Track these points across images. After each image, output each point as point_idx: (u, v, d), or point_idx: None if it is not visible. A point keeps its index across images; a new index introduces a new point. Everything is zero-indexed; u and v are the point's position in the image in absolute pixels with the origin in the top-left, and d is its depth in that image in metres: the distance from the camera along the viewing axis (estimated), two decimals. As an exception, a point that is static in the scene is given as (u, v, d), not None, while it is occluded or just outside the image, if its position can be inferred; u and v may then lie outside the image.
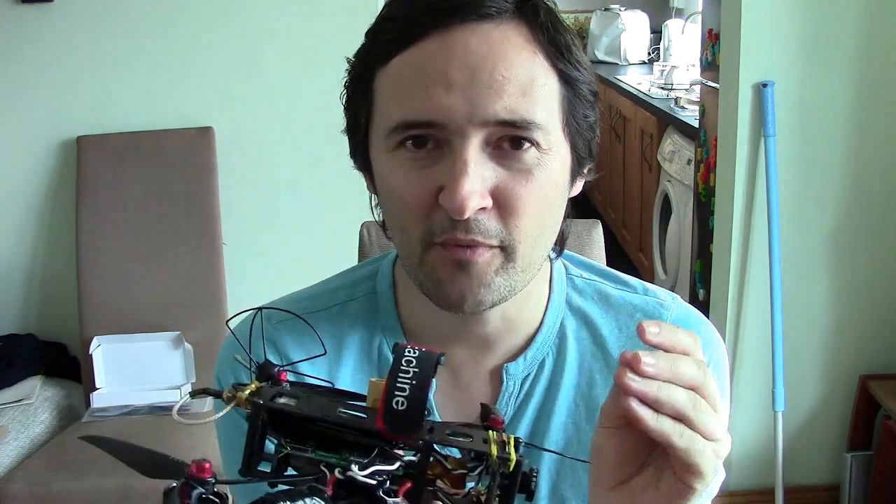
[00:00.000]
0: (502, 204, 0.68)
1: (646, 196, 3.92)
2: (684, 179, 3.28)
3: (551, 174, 0.70)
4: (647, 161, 3.87)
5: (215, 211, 2.43)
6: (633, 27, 5.18)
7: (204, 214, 2.42)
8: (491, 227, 0.68)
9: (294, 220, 2.54)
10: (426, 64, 0.67)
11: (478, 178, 0.66)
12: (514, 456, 0.47)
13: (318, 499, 0.44)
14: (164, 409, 2.28)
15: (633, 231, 4.25)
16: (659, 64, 4.50)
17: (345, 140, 0.79)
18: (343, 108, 0.77)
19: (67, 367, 2.48)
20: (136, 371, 2.34)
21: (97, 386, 2.31)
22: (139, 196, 2.42)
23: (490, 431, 0.49)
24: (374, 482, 0.46)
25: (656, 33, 5.04)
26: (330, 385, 0.55)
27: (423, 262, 0.70)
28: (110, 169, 2.42)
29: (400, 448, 0.47)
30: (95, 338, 2.33)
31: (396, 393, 0.46)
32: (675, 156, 3.41)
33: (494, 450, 0.47)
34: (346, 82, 0.76)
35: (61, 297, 2.50)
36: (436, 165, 0.68)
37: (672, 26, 4.64)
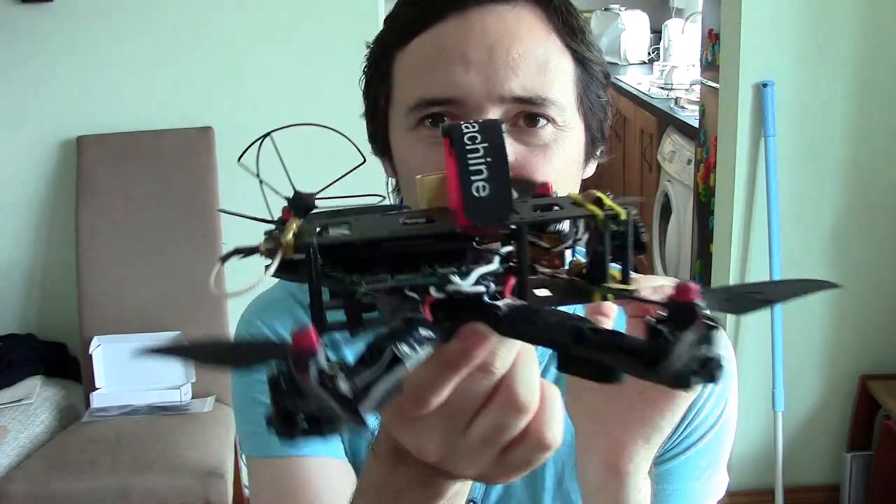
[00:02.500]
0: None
1: (646, 196, 3.92)
2: (684, 179, 3.28)
3: (568, 150, 0.71)
4: (647, 161, 3.87)
5: (215, 211, 2.43)
6: (633, 27, 5.17)
7: (204, 214, 2.42)
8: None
9: (294, 220, 2.54)
10: (445, 43, 0.69)
11: None
12: (619, 208, 0.41)
13: (423, 328, 0.39)
14: (164, 409, 2.28)
15: (633, 231, 4.24)
16: (659, 64, 4.49)
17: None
18: (362, 92, 0.78)
19: (67, 367, 2.48)
20: (136, 371, 2.33)
21: (97, 386, 2.31)
22: (139, 196, 2.42)
23: (569, 194, 0.43)
24: (481, 289, 0.40)
25: (656, 33, 5.04)
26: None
27: None
28: (110, 169, 2.42)
29: (485, 242, 0.41)
30: (95, 338, 2.33)
31: (474, 178, 0.39)
32: (675, 156, 3.41)
33: (595, 209, 0.41)
34: (364, 67, 0.78)
35: (61, 297, 2.50)
36: None
37: (672, 26, 4.64)
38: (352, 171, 0.51)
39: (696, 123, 3.16)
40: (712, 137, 2.81)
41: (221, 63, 2.44)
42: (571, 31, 0.72)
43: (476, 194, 0.39)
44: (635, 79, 4.51)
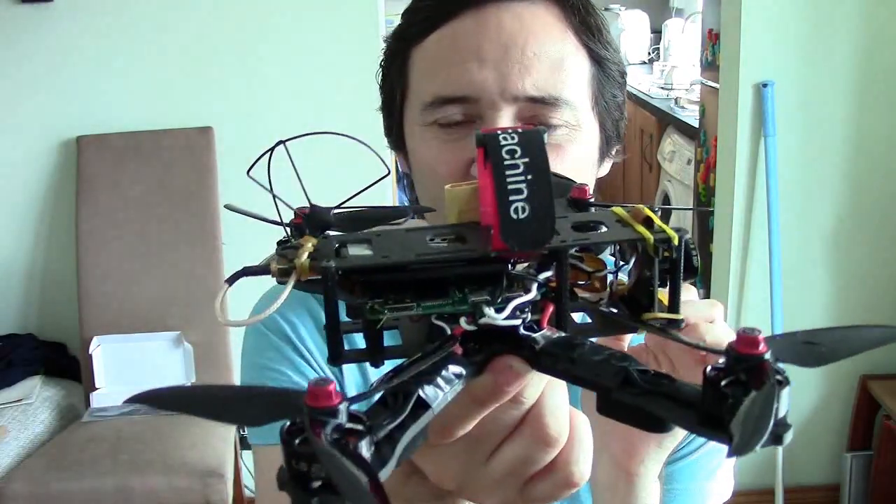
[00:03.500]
0: None
1: (646, 196, 3.92)
2: (684, 179, 3.28)
3: (582, 150, 0.71)
4: (647, 161, 3.87)
5: (215, 211, 2.43)
6: (633, 27, 5.17)
7: (204, 214, 2.42)
8: None
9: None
10: (460, 40, 0.69)
11: None
12: (671, 231, 0.37)
13: (452, 365, 0.35)
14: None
15: (633, 231, 4.25)
16: (659, 64, 4.50)
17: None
18: (379, 87, 0.78)
19: (67, 366, 2.48)
20: (136, 371, 2.33)
21: (97, 386, 2.31)
22: (139, 196, 2.42)
23: (614, 209, 0.39)
24: (517, 322, 0.36)
25: (656, 33, 5.04)
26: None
27: None
28: (110, 169, 2.42)
29: (520, 265, 0.38)
30: (95, 337, 2.33)
31: (512, 199, 0.35)
32: (675, 156, 3.41)
33: (645, 231, 0.37)
34: (381, 61, 0.77)
35: (61, 297, 2.50)
36: (468, 138, 0.69)
37: (672, 26, 4.64)
38: (375, 183, 0.48)
39: (696, 123, 3.16)
40: (712, 137, 2.81)
41: (221, 63, 2.44)
42: (588, 29, 0.71)
43: (514, 216, 0.34)
44: (635, 79, 4.50)
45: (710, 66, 2.95)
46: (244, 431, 2.25)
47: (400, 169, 0.81)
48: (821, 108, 2.25)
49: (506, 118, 0.68)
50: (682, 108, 3.54)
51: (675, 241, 0.37)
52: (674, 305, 0.38)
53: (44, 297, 2.56)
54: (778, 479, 2.36)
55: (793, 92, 2.23)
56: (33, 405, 2.24)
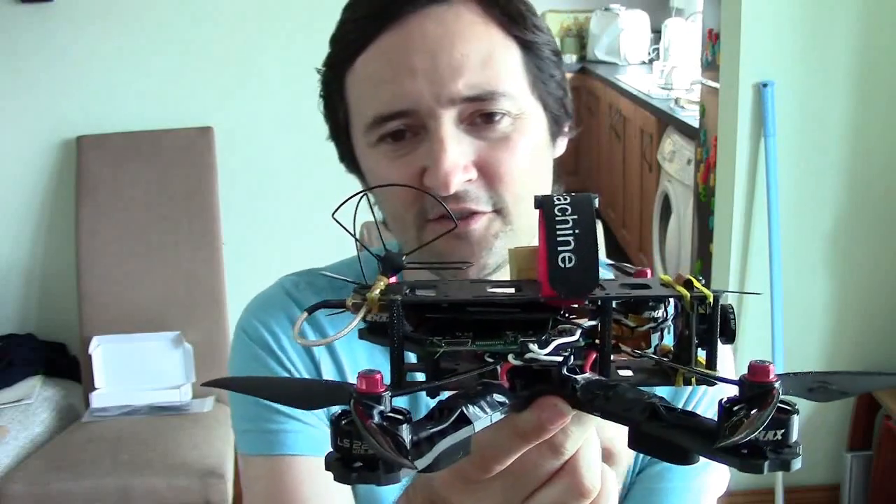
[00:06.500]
0: (487, 173, 0.70)
1: (646, 196, 3.92)
2: (684, 179, 3.28)
3: (529, 137, 0.72)
4: (647, 161, 3.87)
5: (215, 211, 2.43)
6: (633, 27, 5.17)
7: (204, 214, 2.42)
8: (481, 195, 0.70)
9: (294, 220, 2.54)
10: (389, 56, 0.70)
11: (457, 153, 0.68)
12: (707, 291, 0.40)
13: (498, 394, 0.39)
14: (164, 409, 2.28)
15: (633, 231, 4.25)
16: (659, 64, 4.49)
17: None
18: (323, 116, 0.80)
19: (67, 366, 2.48)
20: (136, 371, 2.33)
21: (97, 386, 2.31)
22: (139, 196, 2.42)
23: (662, 276, 0.43)
24: (558, 359, 0.40)
25: (656, 33, 5.04)
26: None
27: (421, 242, 0.72)
28: (110, 169, 2.42)
29: (570, 316, 0.42)
30: (95, 337, 2.33)
31: (560, 249, 0.39)
32: (675, 156, 3.41)
33: (682, 289, 0.41)
34: (320, 92, 0.79)
35: (61, 297, 2.50)
36: (417, 150, 0.70)
37: (672, 26, 4.64)
38: (442, 235, 0.54)
39: (696, 123, 3.16)
40: (712, 137, 2.81)
41: (221, 63, 2.44)
42: (511, 18, 0.72)
43: (562, 265, 0.39)
44: (635, 79, 4.50)
45: (710, 66, 2.95)
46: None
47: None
48: (821, 108, 2.25)
49: (448, 123, 0.69)
50: (682, 108, 3.54)
51: (710, 299, 0.40)
52: (710, 363, 0.42)
53: (44, 297, 2.56)
54: (778, 479, 2.36)
55: (793, 92, 2.23)
56: (33, 405, 2.24)
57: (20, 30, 2.39)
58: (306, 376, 0.82)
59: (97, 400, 2.30)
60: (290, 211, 2.53)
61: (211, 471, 2.00)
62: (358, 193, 0.49)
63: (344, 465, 0.35)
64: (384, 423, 0.34)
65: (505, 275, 0.72)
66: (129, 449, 2.08)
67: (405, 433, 0.35)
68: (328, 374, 0.83)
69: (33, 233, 2.52)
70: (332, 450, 0.35)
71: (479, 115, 0.70)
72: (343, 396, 0.36)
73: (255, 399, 0.80)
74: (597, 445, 0.46)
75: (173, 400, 2.29)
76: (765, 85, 2.21)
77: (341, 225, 0.47)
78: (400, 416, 0.35)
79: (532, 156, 0.72)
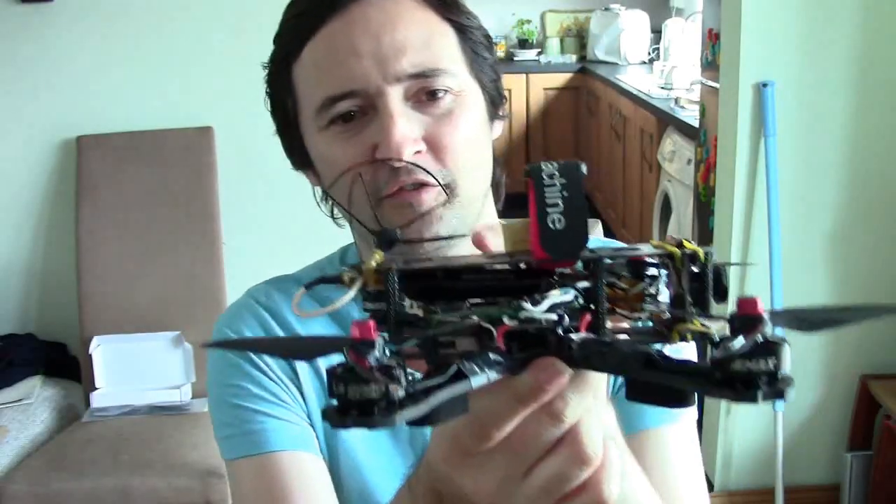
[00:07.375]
0: (435, 146, 0.74)
1: (646, 196, 3.92)
2: (684, 179, 3.28)
3: (471, 113, 0.77)
4: (647, 161, 3.87)
5: (215, 211, 2.43)
6: (633, 27, 5.17)
7: (204, 214, 2.42)
8: (430, 167, 0.73)
9: (294, 219, 2.54)
10: (334, 42, 0.74)
11: (406, 125, 0.72)
12: (698, 248, 0.41)
13: (493, 354, 0.40)
14: (164, 409, 2.28)
15: (633, 231, 4.25)
16: (659, 64, 4.49)
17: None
18: (269, 112, 0.82)
19: (67, 366, 2.48)
20: (136, 371, 2.34)
21: (97, 386, 2.31)
22: (139, 196, 2.42)
23: (652, 241, 0.44)
24: (553, 317, 0.41)
25: (656, 33, 5.04)
26: None
27: (379, 219, 0.74)
28: (110, 169, 2.42)
29: (563, 279, 0.42)
30: (95, 337, 2.33)
31: (549, 210, 0.40)
32: (675, 156, 3.41)
33: (672, 248, 0.41)
34: (266, 89, 0.82)
35: (61, 296, 2.50)
36: (367, 129, 0.74)
37: (672, 26, 4.64)
38: (449, 237, 0.61)
39: (696, 123, 3.16)
40: (712, 137, 2.81)
41: (221, 63, 2.44)
42: (445, 4, 0.78)
43: (551, 227, 0.40)
44: (635, 79, 4.50)
45: (710, 66, 2.95)
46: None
47: (312, 186, 0.85)
48: (821, 108, 2.25)
49: (395, 99, 0.73)
50: (682, 108, 3.54)
51: (701, 255, 0.41)
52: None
53: (44, 297, 2.56)
54: (778, 479, 2.36)
55: (793, 92, 2.22)
56: (33, 405, 2.24)
57: (20, 30, 2.39)
58: (284, 379, 0.84)
59: (97, 400, 2.30)
60: (290, 211, 2.53)
61: (211, 471, 2.00)
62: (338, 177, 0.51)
63: (340, 412, 0.35)
64: (381, 367, 0.35)
65: (461, 250, 0.75)
66: (129, 449, 2.08)
67: (400, 374, 0.35)
68: (304, 374, 0.84)
69: (33, 233, 2.52)
70: (328, 400, 0.36)
71: (424, 92, 0.74)
72: (339, 344, 0.37)
73: (234, 404, 0.83)
74: (598, 415, 0.46)
75: (173, 400, 2.29)
76: (765, 85, 2.21)
77: (340, 205, 0.46)
78: (394, 364, 0.36)
79: (474, 130, 0.77)
